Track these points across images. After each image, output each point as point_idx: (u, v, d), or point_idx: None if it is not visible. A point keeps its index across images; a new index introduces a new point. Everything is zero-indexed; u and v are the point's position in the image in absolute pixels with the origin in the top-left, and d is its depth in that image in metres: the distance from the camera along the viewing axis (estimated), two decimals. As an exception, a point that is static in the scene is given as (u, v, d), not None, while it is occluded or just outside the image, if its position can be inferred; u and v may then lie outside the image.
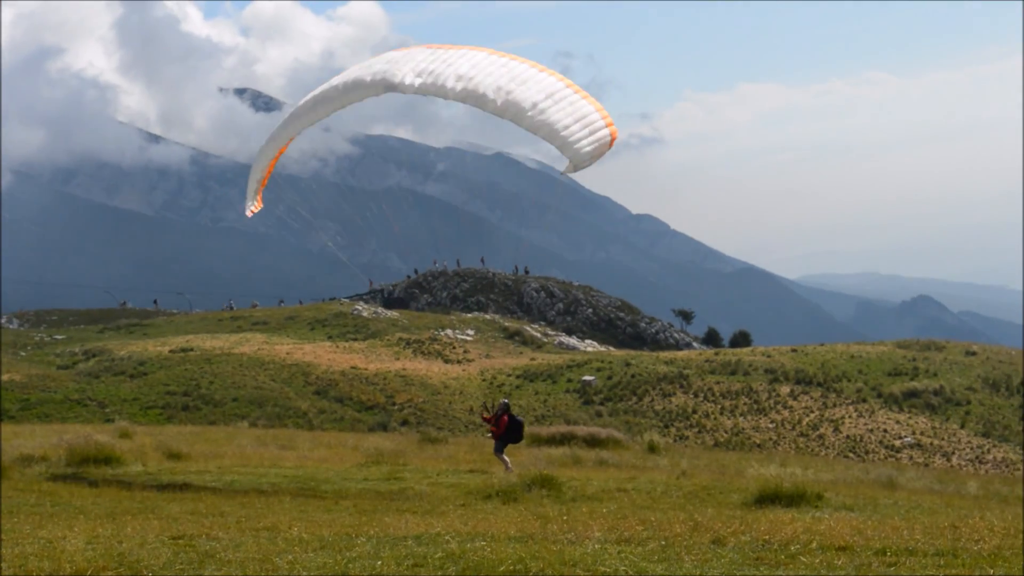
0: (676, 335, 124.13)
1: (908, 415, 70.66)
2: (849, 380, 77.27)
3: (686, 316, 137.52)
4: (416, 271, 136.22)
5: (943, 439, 66.57)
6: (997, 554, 12.34)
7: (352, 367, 79.87)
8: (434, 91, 23.21)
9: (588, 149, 23.24)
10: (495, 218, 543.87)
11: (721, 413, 70.54)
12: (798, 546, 13.00)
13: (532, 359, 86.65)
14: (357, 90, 24.69)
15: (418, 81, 23.28)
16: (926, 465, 59.53)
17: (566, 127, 23.14)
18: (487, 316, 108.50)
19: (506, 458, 29.62)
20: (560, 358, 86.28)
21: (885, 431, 67.34)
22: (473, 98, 22.88)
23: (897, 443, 65.37)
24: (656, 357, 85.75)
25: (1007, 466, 62.26)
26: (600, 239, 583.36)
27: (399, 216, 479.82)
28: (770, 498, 22.02)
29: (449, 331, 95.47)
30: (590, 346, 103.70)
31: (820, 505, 21.70)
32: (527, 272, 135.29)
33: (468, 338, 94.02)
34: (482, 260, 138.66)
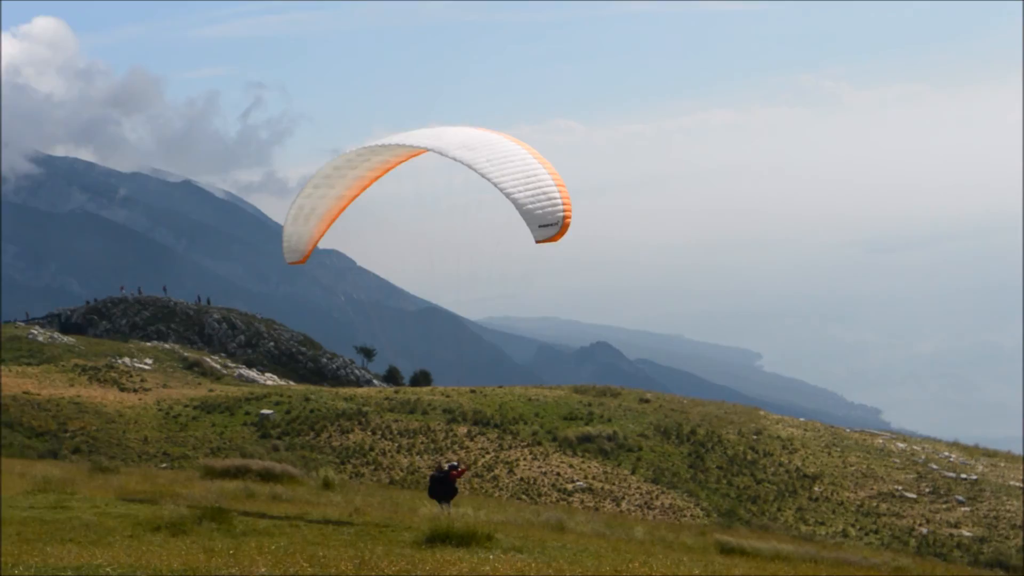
0: (357, 372, 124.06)
1: (581, 459, 71.95)
2: (526, 423, 78.33)
3: (368, 353, 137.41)
4: (96, 299, 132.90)
5: (614, 484, 68.02)
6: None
7: (24, 392, 77.23)
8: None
9: (543, 231, 24.08)
10: (180, 247, 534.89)
11: (398, 451, 70.62)
12: (462, 585, 13.05)
13: (211, 390, 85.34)
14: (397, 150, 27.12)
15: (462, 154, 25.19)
16: (596, 509, 60.72)
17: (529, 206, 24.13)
18: (167, 345, 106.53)
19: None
20: (239, 390, 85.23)
21: (558, 474, 68.46)
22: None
23: (569, 487, 66.50)
24: (336, 393, 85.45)
25: (674, 512, 64.05)
26: (286, 272, 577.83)
27: (81, 240, 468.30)
28: (441, 538, 22.10)
29: (127, 359, 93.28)
30: (270, 379, 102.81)
31: (490, 546, 21.87)
32: (209, 303, 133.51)
33: (146, 367, 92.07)
34: (164, 288, 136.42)
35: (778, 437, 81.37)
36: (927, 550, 61.11)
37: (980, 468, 79.48)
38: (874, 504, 69.13)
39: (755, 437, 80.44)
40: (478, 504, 37.94)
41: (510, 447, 72.76)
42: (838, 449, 79.96)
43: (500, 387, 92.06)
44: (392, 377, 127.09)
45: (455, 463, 31.00)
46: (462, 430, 75.33)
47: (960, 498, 70.98)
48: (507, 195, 23.92)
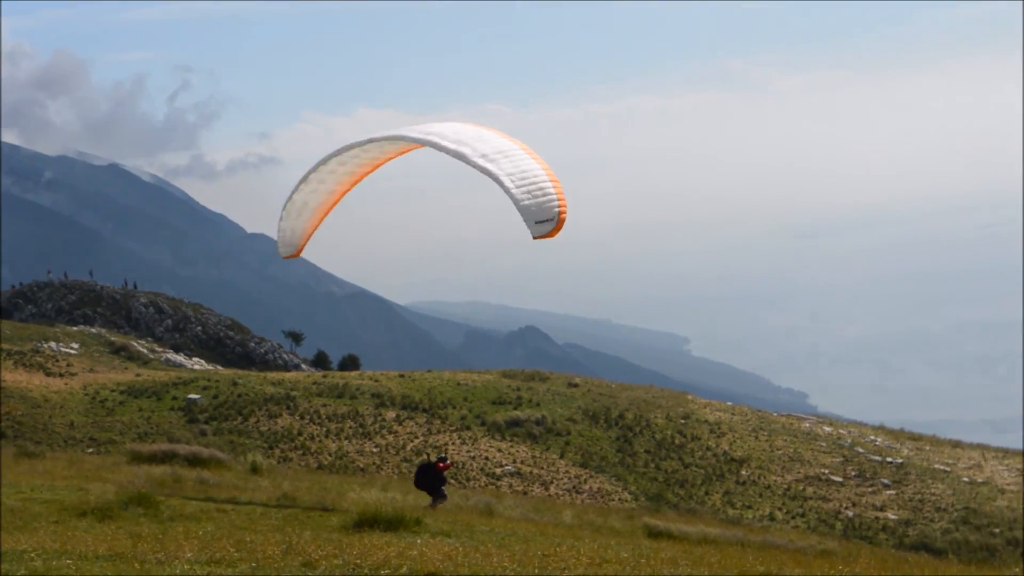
0: (285, 356, 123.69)
1: (510, 444, 72.07)
2: (454, 407, 78.30)
3: (296, 338, 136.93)
4: (21, 283, 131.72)
5: (543, 468, 68.18)
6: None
7: (-54, 377, 76.38)
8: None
9: (539, 227, 24.11)
10: (107, 231, 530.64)
11: (326, 436, 70.42)
12: (388, 571, 13.04)
13: (137, 375, 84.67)
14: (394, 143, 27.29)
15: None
16: (525, 493, 60.87)
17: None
18: (93, 330, 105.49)
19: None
20: (166, 375, 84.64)
21: (487, 459, 68.55)
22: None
23: (498, 471, 66.61)
24: (264, 378, 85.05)
25: (602, 496, 64.30)
26: (214, 257, 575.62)
27: (6, 224, 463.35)
28: (369, 522, 22.04)
29: (53, 344, 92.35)
30: (198, 364, 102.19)
31: (418, 530, 21.85)
32: (136, 287, 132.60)
33: (72, 352, 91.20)
34: (91, 272, 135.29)
35: (706, 421, 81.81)
36: (853, 533, 61.66)
37: (905, 452, 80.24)
38: (800, 488, 69.68)
39: (683, 421, 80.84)
40: (407, 488, 37.93)
41: (439, 431, 72.72)
42: (765, 433, 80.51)
43: (429, 371, 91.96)
44: (320, 362, 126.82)
45: (443, 455, 31.28)
46: (390, 415, 75.22)
47: (886, 481, 71.68)
48: (504, 191, 23.87)
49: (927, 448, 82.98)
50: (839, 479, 71.77)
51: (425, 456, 30.28)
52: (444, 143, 25.01)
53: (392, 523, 22.08)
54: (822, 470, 73.31)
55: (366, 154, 27.85)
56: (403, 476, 61.37)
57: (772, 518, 63.82)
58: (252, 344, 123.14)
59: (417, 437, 71.26)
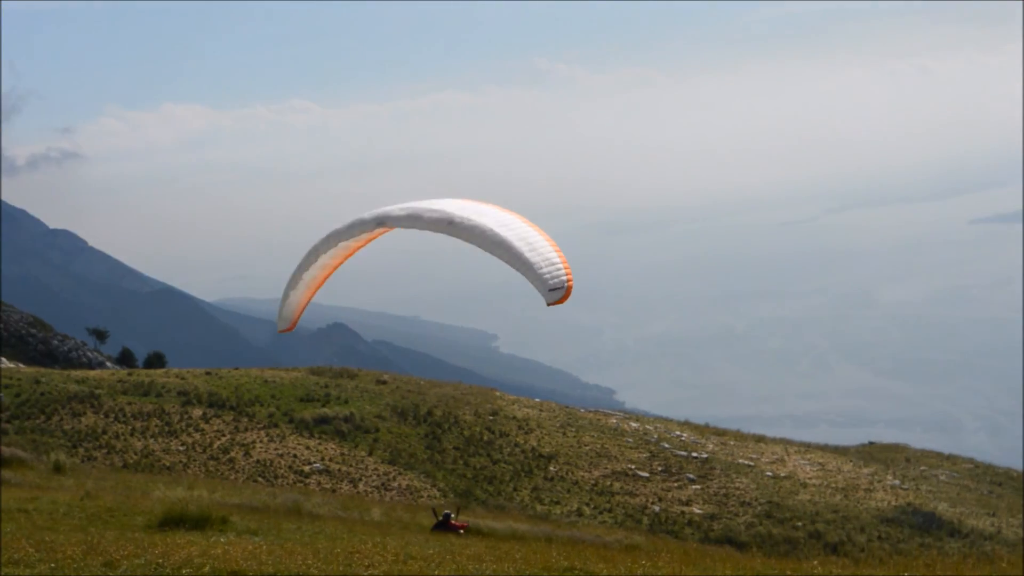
0: (89, 354, 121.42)
1: (318, 441, 71.62)
2: (262, 405, 77.59)
3: (100, 335, 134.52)
4: None
5: (351, 466, 67.91)
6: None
7: None
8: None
9: (552, 294, 25.62)
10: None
11: (132, 434, 69.24)
12: (190, 570, 12.90)
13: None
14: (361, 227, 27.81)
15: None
16: (333, 491, 60.59)
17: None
18: None
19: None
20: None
21: (295, 456, 68.02)
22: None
23: (306, 468, 66.16)
24: (67, 376, 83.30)
25: (411, 493, 64.26)
26: (14, 253, 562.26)
27: None
28: (175, 521, 21.79)
29: None
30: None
31: (224, 528, 21.65)
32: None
33: None
34: None
35: (514, 418, 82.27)
36: (659, 528, 62.57)
37: (710, 447, 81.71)
38: (608, 483, 70.46)
39: (491, 418, 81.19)
40: (213, 487, 37.51)
41: (246, 429, 71.98)
42: (573, 429, 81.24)
43: (236, 369, 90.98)
44: (125, 359, 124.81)
45: (448, 512, 30.70)
46: (197, 412, 74.25)
47: (691, 476, 72.87)
48: (519, 264, 25.41)
49: (731, 443, 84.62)
50: (646, 474, 72.75)
51: (433, 515, 30.30)
52: (460, 217, 26.12)
53: (198, 522, 21.86)
54: (629, 465, 74.24)
55: (364, 231, 28.32)
56: (210, 475, 60.69)
57: (580, 513, 64.42)
58: (55, 342, 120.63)
59: (224, 435, 70.46)
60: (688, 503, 68.17)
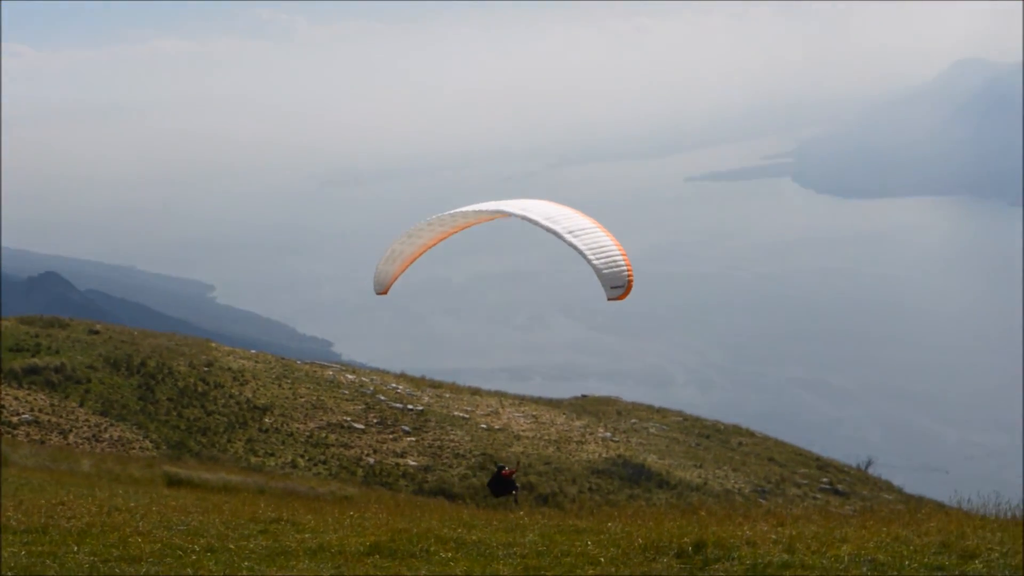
0: None
1: (28, 391, 69.92)
2: (-33, 355, 75.39)
3: None
4: None
5: (61, 417, 66.52)
6: (85, 531, 12.62)
7: None
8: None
9: (614, 291, 29.07)
10: None
11: None
12: None
13: None
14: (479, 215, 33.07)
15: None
16: (43, 442, 59.35)
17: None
18: None
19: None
20: None
21: (3, 407, 66.32)
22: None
23: (15, 419, 64.58)
24: None
25: (123, 445, 63.30)
26: None
27: None
28: None
29: None
30: None
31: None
32: None
33: None
34: None
35: (229, 369, 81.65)
36: (374, 479, 63.05)
37: (426, 399, 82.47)
38: (323, 435, 70.59)
39: (206, 369, 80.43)
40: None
41: (-47, 381, 69.91)
42: (289, 381, 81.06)
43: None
44: None
45: (502, 465, 35.99)
46: None
47: (406, 428, 73.50)
48: (588, 261, 28.88)
49: (447, 395, 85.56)
50: (361, 426, 73.10)
51: (494, 469, 33.94)
52: (539, 220, 30.20)
53: None
54: (344, 417, 74.47)
55: (463, 218, 33.66)
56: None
57: (294, 465, 64.47)
58: None
59: (-74, 386, 68.27)
60: (403, 455, 68.79)
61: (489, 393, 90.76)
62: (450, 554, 21.09)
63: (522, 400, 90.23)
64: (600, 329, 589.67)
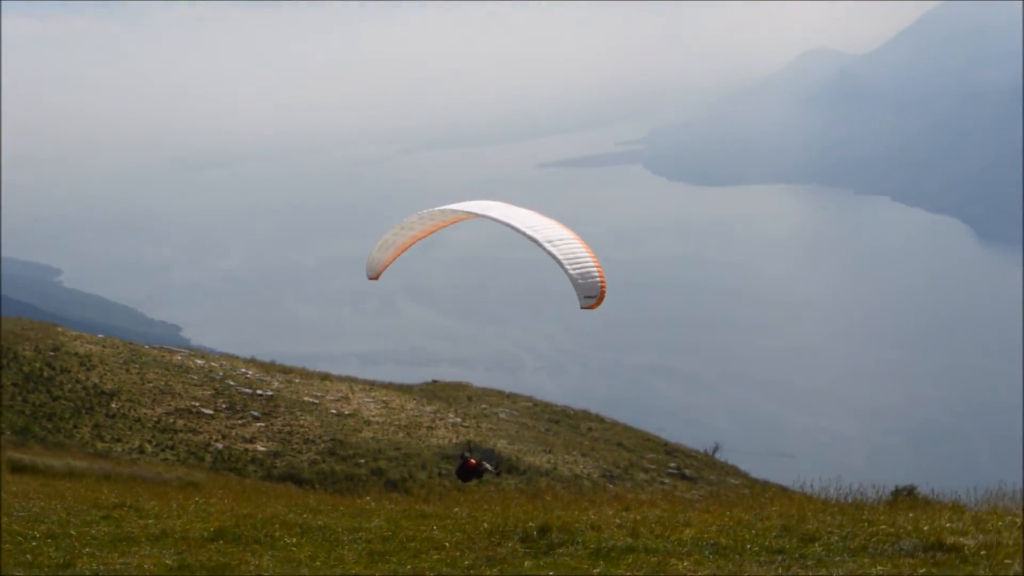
0: None
1: None
2: None
3: None
4: None
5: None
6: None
7: None
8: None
9: (587, 300, 29.89)
10: None
11: None
12: None
13: None
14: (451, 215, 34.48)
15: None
16: None
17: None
18: None
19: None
20: None
21: None
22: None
23: None
24: None
25: (-36, 430, 62.36)
26: None
27: None
28: None
29: None
30: None
31: None
32: None
33: None
34: None
35: (76, 354, 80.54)
36: (222, 465, 62.65)
37: (276, 384, 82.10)
38: (171, 420, 69.93)
39: (52, 354, 79.24)
40: None
41: None
42: (136, 366, 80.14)
43: None
44: None
45: (467, 455, 36.02)
46: None
47: (255, 414, 73.12)
48: (564, 270, 29.92)
49: (297, 381, 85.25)
50: (210, 412, 72.54)
51: (462, 457, 35.90)
52: (522, 228, 31.64)
53: None
54: (193, 403, 73.83)
55: (454, 215, 34.21)
56: None
57: (142, 451, 63.81)
58: None
59: None
60: (252, 440, 68.45)
61: (339, 378, 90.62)
62: (295, 539, 21.18)
63: (372, 385, 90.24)
64: (451, 315, 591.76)
